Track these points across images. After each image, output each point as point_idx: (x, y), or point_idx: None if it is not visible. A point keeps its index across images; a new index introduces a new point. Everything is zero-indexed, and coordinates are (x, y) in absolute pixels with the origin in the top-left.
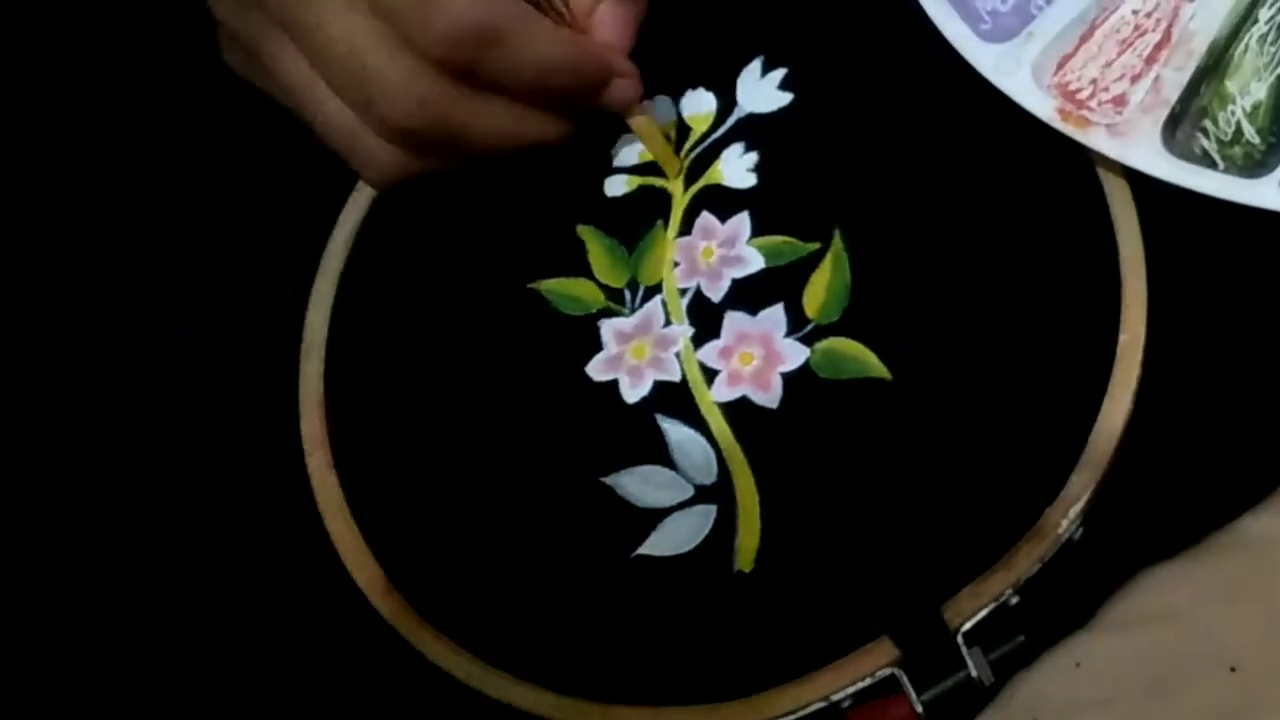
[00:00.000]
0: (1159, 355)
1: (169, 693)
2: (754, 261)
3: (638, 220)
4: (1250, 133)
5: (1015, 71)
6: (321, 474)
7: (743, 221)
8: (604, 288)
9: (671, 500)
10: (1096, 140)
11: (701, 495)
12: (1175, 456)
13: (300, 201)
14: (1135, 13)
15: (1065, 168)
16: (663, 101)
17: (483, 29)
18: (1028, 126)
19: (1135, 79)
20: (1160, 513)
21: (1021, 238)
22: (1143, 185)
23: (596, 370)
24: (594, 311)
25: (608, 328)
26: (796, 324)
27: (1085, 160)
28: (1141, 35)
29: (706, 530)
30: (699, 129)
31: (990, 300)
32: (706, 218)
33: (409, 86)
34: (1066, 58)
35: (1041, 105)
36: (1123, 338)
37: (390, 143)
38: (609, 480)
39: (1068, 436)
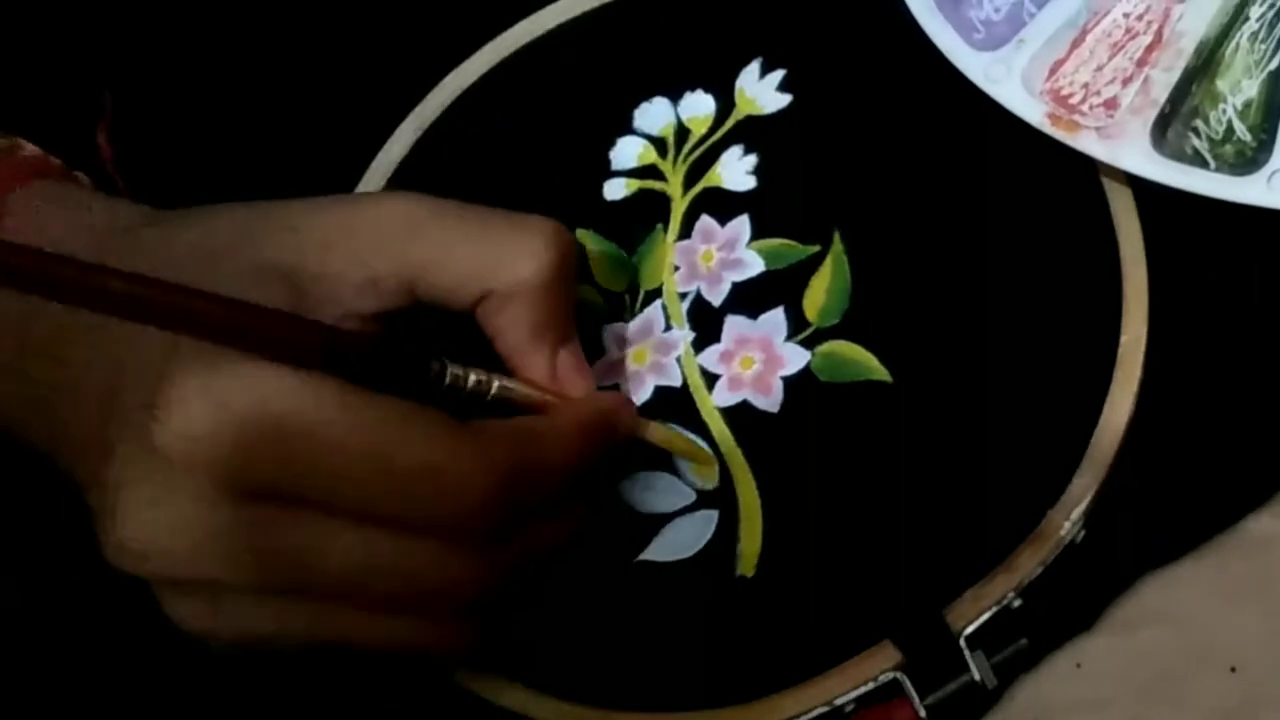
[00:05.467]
0: (1160, 356)
1: (172, 695)
2: (754, 264)
3: (637, 224)
4: (1241, 130)
5: (1005, 79)
6: None
7: (742, 224)
8: (604, 292)
9: (673, 505)
10: (1086, 144)
11: (703, 500)
12: (1177, 457)
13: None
14: (1126, 16)
15: (1066, 168)
16: (661, 103)
17: (510, 474)
18: (1028, 128)
19: (1126, 82)
20: (1163, 514)
21: (1022, 238)
22: (1143, 186)
23: (597, 376)
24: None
25: (608, 333)
26: (797, 327)
27: (1086, 161)
28: (1133, 38)
29: (708, 535)
30: (698, 131)
31: (991, 302)
32: (706, 221)
33: (461, 566)
34: (1059, 63)
35: (1032, 111)
36: (1124, 338)
37: (466, 616)
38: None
39: (1069, 438)
